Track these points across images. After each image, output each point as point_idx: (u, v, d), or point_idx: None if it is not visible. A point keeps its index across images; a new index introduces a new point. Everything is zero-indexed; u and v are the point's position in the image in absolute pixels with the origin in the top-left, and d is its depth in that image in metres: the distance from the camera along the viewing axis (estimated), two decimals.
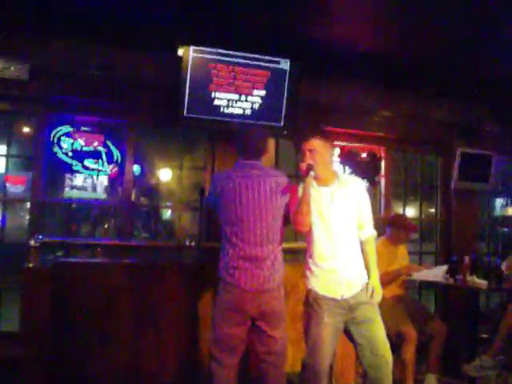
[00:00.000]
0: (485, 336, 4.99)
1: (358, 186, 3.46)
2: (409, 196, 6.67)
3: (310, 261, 3.39)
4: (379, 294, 3.40)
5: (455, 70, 5.48)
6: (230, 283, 3.30)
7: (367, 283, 3.39)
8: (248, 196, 3.31)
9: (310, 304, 3.34)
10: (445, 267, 4.93)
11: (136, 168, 5.59)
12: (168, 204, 6.29)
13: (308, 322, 3.34)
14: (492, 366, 4.47)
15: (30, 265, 4.06)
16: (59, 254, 5.13)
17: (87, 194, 5.61)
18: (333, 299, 3.30)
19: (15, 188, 7.87)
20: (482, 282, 4.75)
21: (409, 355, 4.42)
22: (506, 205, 7.55)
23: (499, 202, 7.57)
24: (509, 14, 4.23)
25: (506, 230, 7.42)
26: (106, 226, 6.17)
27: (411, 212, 6.84)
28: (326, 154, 3.37)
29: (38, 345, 3.95)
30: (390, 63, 5.22)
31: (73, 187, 5.47)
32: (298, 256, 5.07)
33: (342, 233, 3.34)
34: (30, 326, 3.99)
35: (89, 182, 5.60)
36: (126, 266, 4.39)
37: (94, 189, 5.59)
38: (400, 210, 6.57)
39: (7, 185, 5.63)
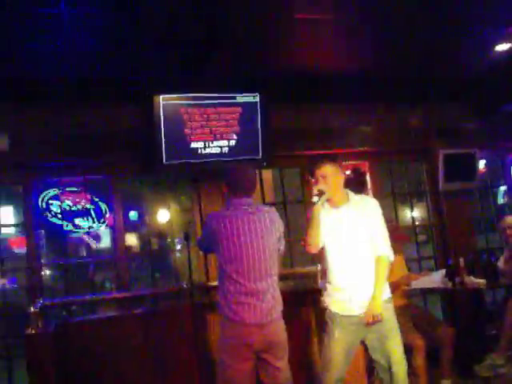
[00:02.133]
0: (494, 333, 4.98)
1: (369, 206, 3.59)
2: (400, 204, 6.71)
3: (325, 279, 3.63)
4: (374, 311, 3.42)
5: (426, 73, 5.56)
6: (234, 320, 3.32)
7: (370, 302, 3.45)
8: (245, 233, 3.35)
9: (326, 321, 3.58)
10: (442, 271, 4.96)
11: (133, 214, 5.67)
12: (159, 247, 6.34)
13: (324, 338, 3.58)
14: (503, 363, 4.47)
15: (32, 331, 4.07)
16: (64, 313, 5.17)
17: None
18: (344, 316, 3.48)
19: (20, 250, 7.93)
20: (480, 281, 4.78)
21: (419, 364, 4.42)
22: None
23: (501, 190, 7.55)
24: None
25: None
26: (102, 280, 6.22)
27: (405, 220, 6.87)
28: (337, 178, 3.54)
29: None
30: (360, 79, 5.30)
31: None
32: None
33: (354, 252, 3.49)
34: None
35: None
36: (125, 317, 4.43)
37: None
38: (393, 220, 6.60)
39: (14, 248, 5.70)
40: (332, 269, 3.56)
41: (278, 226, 3.53)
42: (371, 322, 3.41)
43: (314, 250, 3.55)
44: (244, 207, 3.44)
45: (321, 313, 4.53)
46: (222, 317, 3.41)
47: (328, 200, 3.53)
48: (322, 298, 3.64)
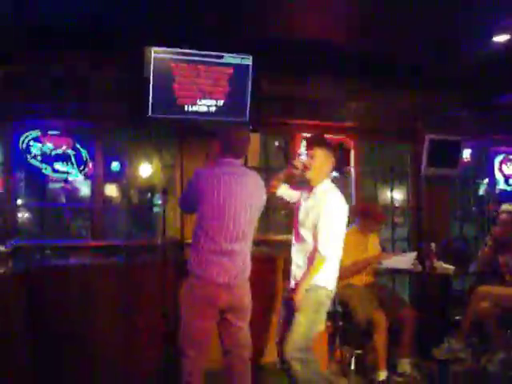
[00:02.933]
0: (458, 318, 5.08)
1: (324, 201, 3.64)
2: (380, 184, 6.76)
3: None
4: (295, 295, 3.62)
5: (421, 57, 5.55)
6: (203, 277, 3.35)
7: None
8: (230, 193, 3.36)
9: None
10: (413, 254, 5.02)
11: (114, 165, 5.63)
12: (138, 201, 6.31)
13: None
14: (460, 349, 4.57)
15: (1, 271, 4.06)
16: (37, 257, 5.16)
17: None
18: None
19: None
20: (449, 267, 4.85)
21: (380, 341, 4.52)
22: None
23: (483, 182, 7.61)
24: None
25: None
26: (78, 228, 6.21)
27: (383, 200, 6.91)
28: (323, 163, 3.72)
29: (14, 350, 3.98)
30: (355, 54, 5.27)
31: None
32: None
33: (301, 233, 3.73)
34: (3, 330, 4.01)
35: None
36: (98, 266, 4.45)
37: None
38: (373, 198, 6.66)
39: None
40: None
41: (262, 193, 3.57)
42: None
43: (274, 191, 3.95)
44: (232, 168, 3.46)
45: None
46: (190, 273, 3.43)
47: (308, 180, 3.75)
48: None
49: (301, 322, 3.60)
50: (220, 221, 3.35)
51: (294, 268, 3.79)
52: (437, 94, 6.26)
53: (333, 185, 3.79)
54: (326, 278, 3.66)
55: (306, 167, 3.69)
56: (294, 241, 3.84)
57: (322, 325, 3.71)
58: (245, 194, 3.41)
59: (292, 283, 3.77)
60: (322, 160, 3.69)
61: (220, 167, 3.46)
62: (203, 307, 3.37)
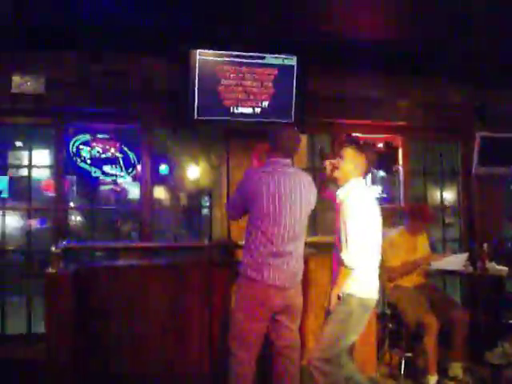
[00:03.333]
0: (511, 322, 4.93)
1: (347, 208, 3.44)
2: (431, 184, 6.62)
3: None
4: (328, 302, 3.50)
5: (469, 54, 5.41)
6: (256, 279, 3.35)
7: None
8: (285, 192, 3.37)
9: None
10: (465, 255, 4.91)
11: (163, 167, 5.71)
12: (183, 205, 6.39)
13: None
14: None
15: (52, 270, 4.16)
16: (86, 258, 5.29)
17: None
18: None
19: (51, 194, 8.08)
20: (502, 269, 4.72)
21: (430, 344, 4.41)
22: None
23: None
24: None
25: None
26: (128, 230, 6.33)
27: (434, 201, 6.76)
28: (352, 163, 3.58)
29: (64, 347, 4.07)
30: (402, 51, 5.18)
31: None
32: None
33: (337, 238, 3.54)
34: (54, 329, 4.11)
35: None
36: (145, 267, 4.51)
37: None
38: (423, 198, 6.53)
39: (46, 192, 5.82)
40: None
41: (314, 191, 3.57)
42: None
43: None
44: (282, 167, 3.46)
45: None
46: (243, 275, 3.44)
47: (336, 179, 3.65)
48: None
49: (327, 331, 3.47)
50: (273, 221, 3.34)
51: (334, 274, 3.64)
52: (488, 91, 6.11)
53: (361, 183, 3.63)
54: (359, 287, 3.45)
55: (334, 167, 3.61)
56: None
57: (353, 335, 3.52)
58: (296, 193, 3.41)
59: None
60: (351, 159, 3.57)
61: (271, 166, 3.46)
62: (256, 309, 3.38)
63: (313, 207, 3.59)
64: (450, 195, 6.86)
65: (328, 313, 3.49)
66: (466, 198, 6.33)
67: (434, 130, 6.20)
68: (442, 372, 4.54)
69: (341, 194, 3.57)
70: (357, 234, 3.36)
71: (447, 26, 4.74)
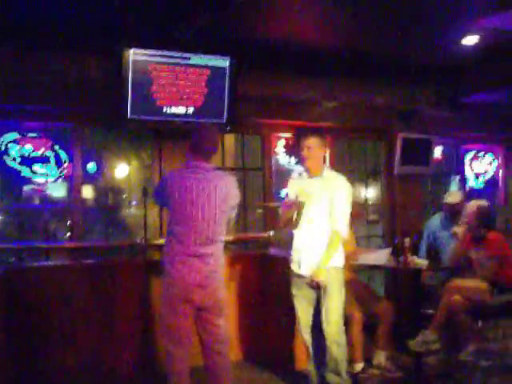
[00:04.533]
0: (430, 312, 5.20)
1: (338, 183, 3.97)
2: (356, 182, 6.87)
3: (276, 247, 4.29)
4: (315, 277, 3.87)
5: (394, 56, 5.66)
6: (175, 277, 3.44)
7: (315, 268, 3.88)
8: (198, 196, 3.44)
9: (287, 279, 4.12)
10: (388, 250, 5.14)
11: (92, 166, 5.63)
12: (117, 203, 6.32)
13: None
14: (435, 340, 4.70)
15: None
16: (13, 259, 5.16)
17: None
18: (297, 275, 4.02)
19: None
20: (422, 262, 4.99)
21: (355, 335, 4.62)
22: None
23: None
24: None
25: None
26: (55, 230, 6.18)
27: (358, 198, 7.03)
28: (320, 151, 4.02)
29: None
30: (329, 53, 5.37)
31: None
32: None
33: (313, 220, 3.92)
34: None
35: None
36: (75, 267, 4.48)
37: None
38: None
39: None
40: (298, 232, 4.00)
41: (233, 195, 3.62)
42: (312, 285, 3.87)
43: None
44: (201, 171, 3.51)
45: (273, 277, 4.73)
46: (164, 273, 3.53)
47: (307, 169, 4.01)
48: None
49: (334, 305, 3.89)
50: (188, 224, 3.44)
51: (301, 254, 3.98)
52: (409, 92, 6.41)
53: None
54: (341, 258, 3.98)
55: (303, 158, 3.95)
56: (300, 227, 3.98)
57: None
58: (213, 195, 3.47)
59: (301, 268, 3.98)
60: (318, 149, 3.97)
61: (190, 170, 3.53)
62: (178, 305, 3.47)
63: (233, 208, 3.68)
64: (372, 193, 7.15)
65: (317, 287, 3.85)
66: (388, 195, 6.63)
67: (358, 131, 6.45)
68: (368, 361, 4.77)
69: (327, 176, 4.00)
70: (348, 208, 3.93)
71: (372, 25, 4.94)
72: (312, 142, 3.96)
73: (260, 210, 6.37)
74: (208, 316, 3.54)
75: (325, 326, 3.91)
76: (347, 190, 4.00)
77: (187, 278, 3.42)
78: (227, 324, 3.68)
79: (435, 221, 5.99)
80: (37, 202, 5.79)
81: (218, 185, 3.51)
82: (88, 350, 4.33)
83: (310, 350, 4.14)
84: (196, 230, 3.44)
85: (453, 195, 5.87)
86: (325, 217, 3.91)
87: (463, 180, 7.50)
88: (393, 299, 5.49)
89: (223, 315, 3.61)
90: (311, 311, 4.06)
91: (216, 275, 3.54)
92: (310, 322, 4.08)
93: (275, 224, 4.96)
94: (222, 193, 3.51)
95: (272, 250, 4.96)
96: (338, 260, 3.98)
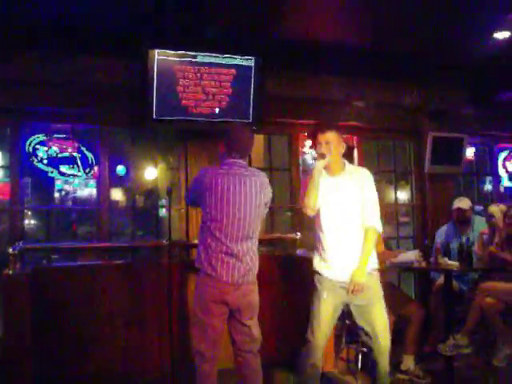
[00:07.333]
0: (462, 315, 5.08)
1: (363, 177, 3.68)
2: (385, 183, 6.78)
3: (317, 244, 3.70)
4: (356, 280, 3.53)
5: (424, 55, 5.58)
6: (211, 276, 3.40)
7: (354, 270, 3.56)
8: (235, 193, 3.41)
9: (314, 284, 3.69)
10: (418, 251, 5.04)
11: (121, 169, 5.67)
12: (146, 204, 6.34)
13: (313, 302, 3.67)
14: (466, 345, 4.58)
15: (9, 271, 4.11)
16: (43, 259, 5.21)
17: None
18: (331, 280, 3.61)
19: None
20: (453, 263, 4.87)
21: None
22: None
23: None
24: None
25: None
26: (85, 232, 6.27)
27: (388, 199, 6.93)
28: (338, 146, 3.63)
29: (21, 348, 4.03)
30: (358, 53, 5.32)
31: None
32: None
33: (345, 220, 3.60)
34: (11, 330, 4.05)
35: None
36: (104, 267, 4.49)
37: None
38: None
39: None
40: (323, 234, 3.65)
41: (267, 192, 3.59)
42: (353, 290, 3.51)
43: (310, 212, 3.61)
44: (237, 168, 3.49)
45: (299, 278, 4.66)
46: (199, 271, 3.49)
47: (326, 167, 3.61)
48: (313, 261, 3.74)
49: (382, 309, 3.66)
50: (225, 221, 3.40)
51: (334, 256, 3.62)
52: (440, 91, 6.28)
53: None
54: (376, 261, 3.72)
55: (323, 154, 3.56)
56: (330, 229, 3.64)
57: None
58: (249, 193, 3.45)
59: (334, 271, 3.61)
60: (336, 143, 3.60)
61: (225, 167, 3.50)
62: (212, 304, 3.42)
63: (267, 207, 3.64)
64: (402, 193, 7.04)
65: (358, 290, 3.51)
66: (418, 196, 6.51)
67: (387, 130, 6.35)
68: (396, 366, 4.64)
69: (351, 171, 3.69)
70: (377, 200, 3.66)
71: (402, 26, 4.87)
72: (330, 136, 3.58)
73: (288, 212, 6.32)
74: (240, 316, 3.50)
75: (374, 338, 3.63)
76: (373, 182, 3.71)
77: (224, 277, 3.39)
78: (257, 324, 3.61)
79: (447, 231, 5.82)
80: (65, 202, 5.85)
81: (254, 182, 3.49)
82: (114, 350, 4.33)
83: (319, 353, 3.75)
84: (232, 227, 3.40)
85: (463, 201, 5.70)
86: (356, 215, 3.61)
87: (497, 180, 7.32)
88: (423, 302, 5.37)
89: (254, 317, 3.57)
90: (334, 321, 3.74)
91: (251, 275, 3.50)
92: (329, 333, 3.78)
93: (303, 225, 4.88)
94: (257, 189, 3.49)
95: (299, 251, 4.91)
96: (374, 261, 3.69)
